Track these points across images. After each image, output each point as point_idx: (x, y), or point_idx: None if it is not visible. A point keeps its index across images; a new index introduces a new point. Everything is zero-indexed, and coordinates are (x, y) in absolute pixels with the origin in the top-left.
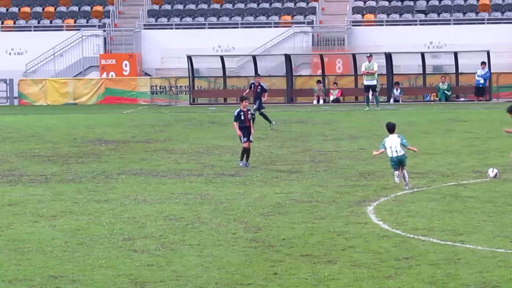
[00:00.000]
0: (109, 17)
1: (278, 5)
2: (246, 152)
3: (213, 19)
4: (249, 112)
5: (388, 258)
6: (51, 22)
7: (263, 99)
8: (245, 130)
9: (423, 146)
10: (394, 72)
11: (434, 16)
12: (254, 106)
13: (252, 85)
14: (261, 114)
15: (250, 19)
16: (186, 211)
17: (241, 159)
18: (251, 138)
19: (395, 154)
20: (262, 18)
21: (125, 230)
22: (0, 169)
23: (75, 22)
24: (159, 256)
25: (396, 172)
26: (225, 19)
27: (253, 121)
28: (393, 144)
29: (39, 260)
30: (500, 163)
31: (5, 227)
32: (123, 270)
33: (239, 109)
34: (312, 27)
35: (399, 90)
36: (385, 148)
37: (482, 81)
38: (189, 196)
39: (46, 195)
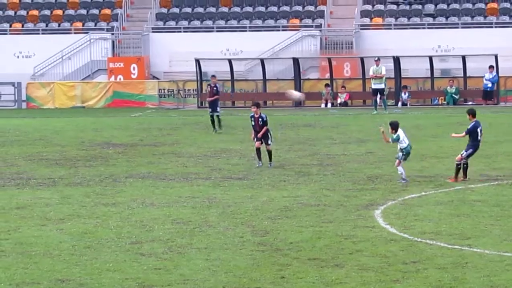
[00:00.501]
0: (117, 20)
1: (286, 8)
2: (259, 151)
3: (221, 23)
4: (260, 118)
5: (395, 262)
6: (59, 25)
7: (209, 100)
8: (257, 134)
9: (431, 150)
10: (402, 76)
11: (442, 19)
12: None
13: (209, 87)
14: (212, 117)
15: (258, 22)
16: (193, 215)
17: (259, 159)
18: (269, 141)
19: (407, 142)
20: (270, 22)
21: (132, 234)
22: (8, 172)
23: (83, 25)
24: (166, 260)
25: (400, 166)
26: (233, 23)
27: (219, 123)
28: (405, 136)
29: (46, 263)
30: (508, 167)
31: (13, 230)
32: (130, 274)
33: (251, 114)
34: (320, 30)
35: (407, 94)
36: (398, 141)
37: (490, 85)
38: (196, 200)
39: (53, 199)
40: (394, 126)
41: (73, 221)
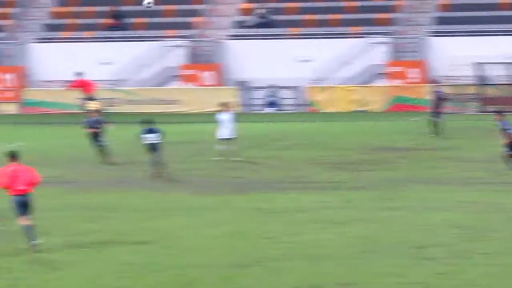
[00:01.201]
0: (395, 25)
1: None
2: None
3: (501, 26)
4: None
5: None
6: (336, 30)
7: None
8: None
9: None
10: None
11: None
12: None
13: (434, 93)
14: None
15: None
16: (476, 220)
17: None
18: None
19: None
20: None
21: (414, 238)
22: (291, 176)
23: (361, 30)
24: (449, 265)
25: None
26: (510, 26)
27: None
28: None
29: (329, 266)
30: None
31: (296, 234)
32: (413, 278)
33: None
34: None
35: None
36: None
37: None
38: (479, 205)
39: (335, 202)
40: None
41: (355, 224)
